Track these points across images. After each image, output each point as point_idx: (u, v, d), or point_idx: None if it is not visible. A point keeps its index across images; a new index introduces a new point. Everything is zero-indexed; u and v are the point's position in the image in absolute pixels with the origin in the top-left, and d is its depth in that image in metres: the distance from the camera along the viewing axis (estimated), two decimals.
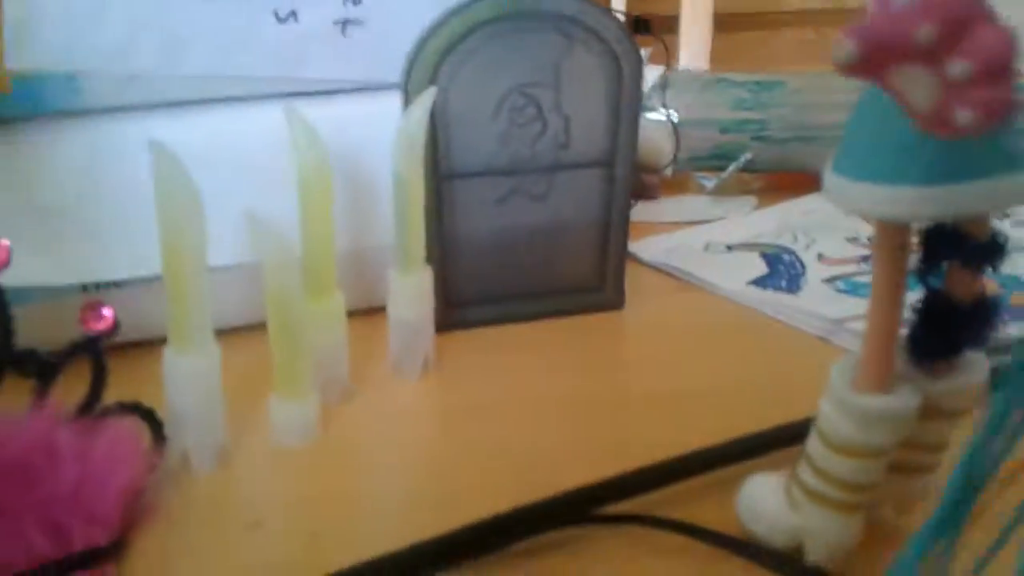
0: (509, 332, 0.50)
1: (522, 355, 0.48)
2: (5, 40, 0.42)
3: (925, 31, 0.18)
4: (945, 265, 0.27)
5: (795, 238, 0.60)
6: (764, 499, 0.31)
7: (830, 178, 0.25)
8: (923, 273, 0.27)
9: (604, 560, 0.32)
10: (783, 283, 0.54)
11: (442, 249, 0.48)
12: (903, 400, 0.28)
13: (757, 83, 0.66)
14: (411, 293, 0.44)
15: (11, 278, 0.32)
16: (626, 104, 0.48)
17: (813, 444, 0.29)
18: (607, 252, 0.51)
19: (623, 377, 0.46)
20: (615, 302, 0.52)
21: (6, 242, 0.30)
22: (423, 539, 0.31)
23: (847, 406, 0.28)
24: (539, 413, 0.42)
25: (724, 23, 1.35)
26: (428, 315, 0.45)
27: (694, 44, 1.20)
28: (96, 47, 0.43)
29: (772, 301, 0.52)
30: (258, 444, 0.39)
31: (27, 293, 0.41)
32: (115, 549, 0.30)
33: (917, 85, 0.19)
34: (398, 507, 0.36)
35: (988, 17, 0.19)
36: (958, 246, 0.26)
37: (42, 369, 0.32)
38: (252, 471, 0.38)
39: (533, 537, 0.32)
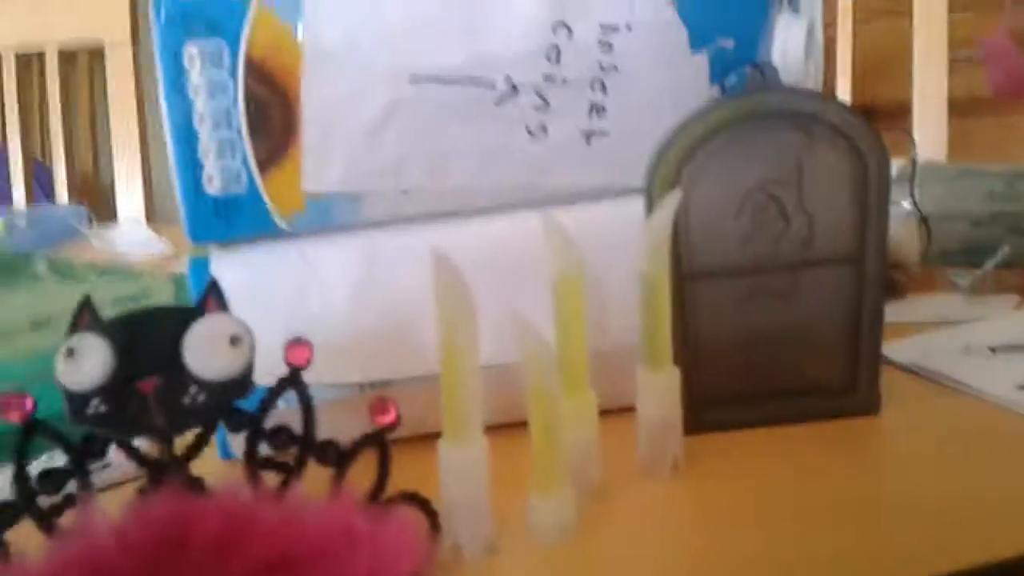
0: (757, 436, 0.48)
1: (772, 460, 0.46)
2: (304, 165, 0.47)
3: None
4: None
5: None
6: None
7: None
8: None
9: None
10: None
11: (687, 349, 0.48)
12: None
13: (1014, 173, 0.63)
14: (660, 391, 0.45)
15: None
16: (874, 200, 0.47)
17: None
18: (859, 353, 0.49)
19: (880, 484, 0.44)
20: (870, 406, 0.50)
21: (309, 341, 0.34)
22: None
23: None
24: (797, 520, 0.41)
25: (960, 108, 1.27)
26: (676, 414, 0.45)
27: (929, 132, 1.14)
28: (374, 168, 0.48)
29: None
30: (519, 539, 0.40)
31: None
32: None
33: None
34: None
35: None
36: None
37: (339, 458, 0.35)
38: (516, 566, 0.39)
39: None
